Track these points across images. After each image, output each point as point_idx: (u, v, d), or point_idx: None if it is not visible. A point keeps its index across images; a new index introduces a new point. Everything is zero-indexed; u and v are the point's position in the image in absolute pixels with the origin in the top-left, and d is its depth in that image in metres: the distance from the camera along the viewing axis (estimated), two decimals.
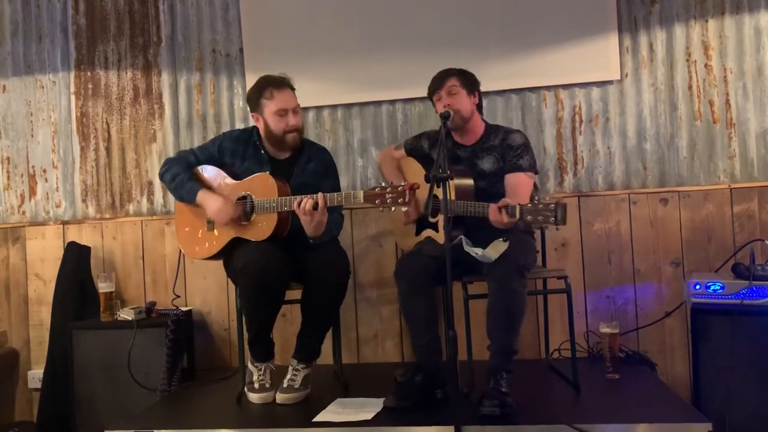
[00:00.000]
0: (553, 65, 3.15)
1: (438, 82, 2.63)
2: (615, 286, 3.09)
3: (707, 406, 2.45)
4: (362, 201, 2.33)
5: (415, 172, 2.74)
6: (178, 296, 3.27)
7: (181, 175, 2.64)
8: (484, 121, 2.72)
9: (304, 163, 2.70)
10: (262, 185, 2.54)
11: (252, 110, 2.68)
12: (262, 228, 2.52)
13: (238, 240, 2.57)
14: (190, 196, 2.61)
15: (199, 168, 2.71)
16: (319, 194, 2.40)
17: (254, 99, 2.64)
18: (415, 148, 2.83)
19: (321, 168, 2.73)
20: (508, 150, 2.59)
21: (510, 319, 2.33)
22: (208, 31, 3.48)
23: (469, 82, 2.64)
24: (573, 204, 3.11)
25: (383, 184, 2.33)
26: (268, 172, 2.57)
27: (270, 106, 2.59)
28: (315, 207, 2.38)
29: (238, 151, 2.68)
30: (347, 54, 3.30)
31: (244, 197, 2.58)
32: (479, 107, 2.70)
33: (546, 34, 3.16)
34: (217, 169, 2.68)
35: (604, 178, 3.18)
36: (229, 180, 2.64)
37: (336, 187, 2.74)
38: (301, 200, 2.40)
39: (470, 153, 2.66)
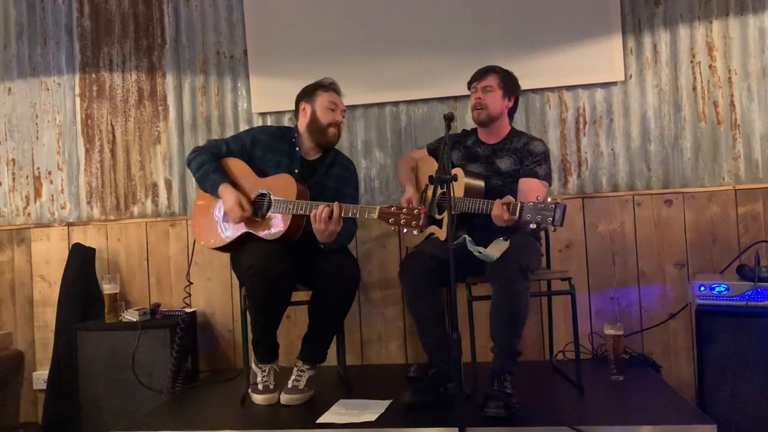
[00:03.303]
0: (557, 66, 3.15)
1: (479, 75, 2.70)
2: (619, 287, 3.09)
3: (712, 408, 2.44)
4: (376, 217, 2.36)
5: (429, 172, 2.75)
6: (191, 282, 3.22)
7: (207, 166, 2.67)
8: (512, 126, 2.76)
9: (328, 165, 2.75)
10: (282, 185, 2.58)
11: (302, 100, 2.76)
12: (274, 227, 2.54)
13: (249, 235, 2.58)
14: (213, 188, 2.64)
15: (226, 160, 2.73)
16: (335, 204, 2.41)
17: (310, 89, 2.75)
18: (436, 149, 2.86)
19: (344, 174, 2.78)
20: (528, 155, 2.62)
21: (513, 321, 2.33)
22: (212, 33, 3.49)
23: (509, 84, 2.69)
24: (577, 205, 3.11)
25: (399, 205, 2.36)
26: (291, 176, 2.60)
27: (324, 97, 2.71)
28: (330, 216, 2.40)
29: (273, 145, 2.73)
30: (351, 56, 3.31)
31: (263, 194, 2.60)
32: (511, 112, 2.75)
33: (549, 35, 3.16)
34: (244, 163, 2.71)
35: (608, 180, 3.18)
36: (252, 175, 2.67)
37: (354, 197, 2.80)
38: (317, 209, 2.42)
39: (490, 151, 2.70)
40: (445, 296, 2.65)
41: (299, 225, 2.53)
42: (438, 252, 2.46)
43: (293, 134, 2.77)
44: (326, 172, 2.74)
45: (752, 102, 3.07)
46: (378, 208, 2.35)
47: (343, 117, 2.76)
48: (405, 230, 2.32)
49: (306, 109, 2.73)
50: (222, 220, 2.68)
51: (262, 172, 2.68)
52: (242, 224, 2.59)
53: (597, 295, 3.10)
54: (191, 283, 3.23)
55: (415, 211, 2.30)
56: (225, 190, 2.61)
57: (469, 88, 2.74)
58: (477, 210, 2.38)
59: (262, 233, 2.55)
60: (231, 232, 2.63)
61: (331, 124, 2.69)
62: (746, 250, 2.87)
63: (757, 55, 3.07)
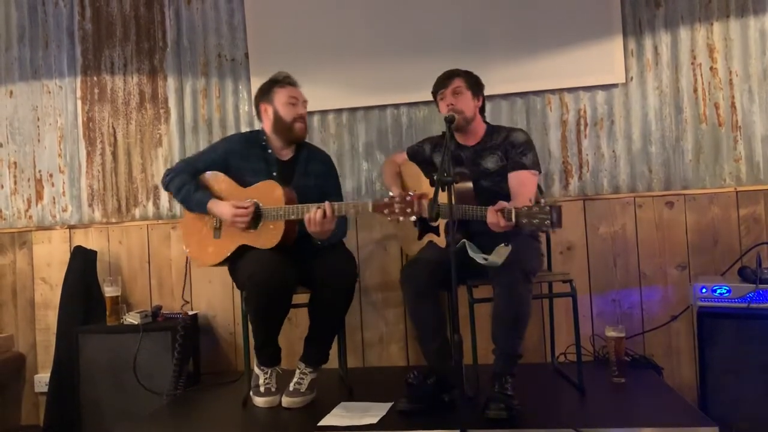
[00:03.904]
0: (558, 68, 3.15)
1: (443, 82, 2.65)
2: (621, 289, 3.09)
3: (714, 410, 2.44)
4: (371, 211, 2.34)
5: (414, 176, 2.74)
6: (187, 302, 3.29)
7: (187, 186, 2.63)
8: (486, 122, 2.73)
9: (304, 162, 2.72)
10: (269, 193, 2.55)
11: (261, 101, 2.71)
12: (269, 236, 2.51)
13: (244, 246, 2.57)
14: (200, 206, 2.61)
15: (205, 175, 2.70)
16: (326, 203, 2.40)
17: (266, 88, 2.70)
18: (417, 153, 2.84)
19: (323, 169, 2.77)
20: (511, 148, 2.59)
21: (515, 324, 2.32)
22: (214, 36, 3.49)
23: (475, 84, 2.66)
24: (578, 207, 3.11)
25: (391, 195, 2.34)
26: (274, 181, 2.57)
27: (282, 93, 2.66)
28: (324, 216, 2.39)
29: (245, 152, 2.69)
30: (352, 58, 3.31)
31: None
32: (482, 110, 2.71)
33: (550, 37, 3.16)
34: (222, 174, 2.67)
35: (609, 182, 3.18)
36: (235, 186, 2.64)
37: (338, 190, 2.81)
38: (310, 212, 2.40)
39: (473, 153, 2.66)
40: (446, 299, 2.65)
41: (293, 230, 2.52)
42: (438, 256, 2.45)
43: (262, 137, 2.73)
44: (305, 171, 2.71)
45: (753, 104, 3.07)
46: (371, 202, 2.35)
47: (306, 108, 2.70)
48: (401, 218, 2.30)
49: (267, 109, 2.69)
50: (214, 236, 2.65)
51: (241, 181, 2.63)
52: (237, 237, 2.56)
53: (598, 297, 3.10)
54: (187, 302, 3.28)
55: (407, 197, 2.27)
56: (215, 204, 2.58)
57: (435, 98, 2.69)
58: (471, 217, 2.37)
59: (259, 244, 2.53)
60: (226, 246, 2.60)
61: (296, 119, 2.65)
62: (747, 252, 2.87)
63: (758, 56, 3.07)
